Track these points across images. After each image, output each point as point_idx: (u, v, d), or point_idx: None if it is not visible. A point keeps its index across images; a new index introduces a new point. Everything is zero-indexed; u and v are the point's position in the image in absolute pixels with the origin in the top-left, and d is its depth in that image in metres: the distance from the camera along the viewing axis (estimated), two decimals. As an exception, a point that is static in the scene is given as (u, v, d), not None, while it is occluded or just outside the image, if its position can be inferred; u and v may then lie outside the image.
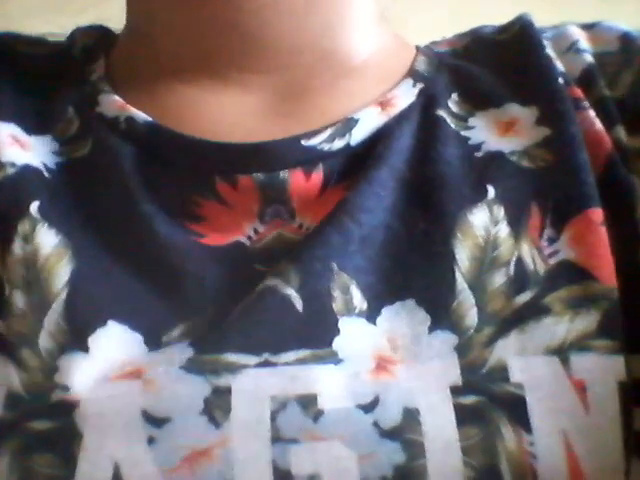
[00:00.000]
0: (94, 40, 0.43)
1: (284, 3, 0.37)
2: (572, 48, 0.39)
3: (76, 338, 0.32)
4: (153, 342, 0.33)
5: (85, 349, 0.32)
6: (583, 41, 0.39)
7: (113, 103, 0.38)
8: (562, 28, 0.41)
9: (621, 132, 0.36)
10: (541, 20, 0.41)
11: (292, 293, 0.33)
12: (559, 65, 0.39)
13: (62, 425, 0.30)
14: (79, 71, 0.41)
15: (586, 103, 0.37)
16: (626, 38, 0.39)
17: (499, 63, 0.40)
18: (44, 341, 0.32)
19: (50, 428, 0.30)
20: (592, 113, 0.37)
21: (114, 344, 0.32)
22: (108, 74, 0.40)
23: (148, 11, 0.39)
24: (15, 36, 0.43)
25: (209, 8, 0.37)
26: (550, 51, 0.39)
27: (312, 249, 0.34)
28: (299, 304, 0.33)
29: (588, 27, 0.41)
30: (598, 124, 0.36)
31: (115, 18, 0.42)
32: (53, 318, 0.33)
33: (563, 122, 0.36)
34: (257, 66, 0.38)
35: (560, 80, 0.38)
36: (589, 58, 0.39)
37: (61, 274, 0.34)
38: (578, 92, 0.38)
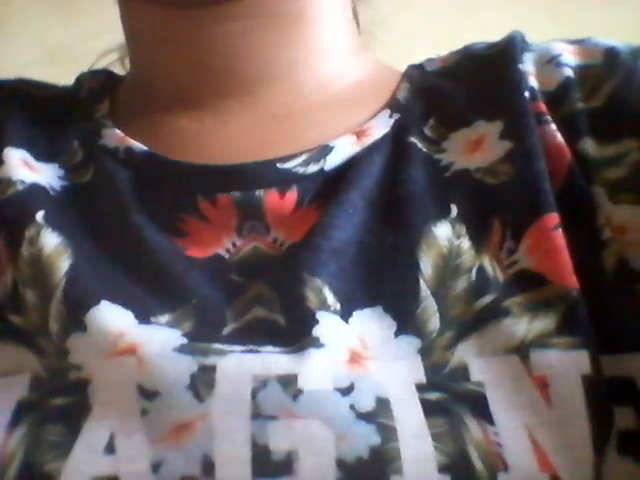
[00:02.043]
0: (99, 84, 0.47)
1: (251, 42, 0.40)
2: (552, 62, 0.40)
3: (75, 319, 0.35)
4: (142, 318, 0.35)
5: (84, 328, 0.34)
6: (567, 55, 0.40)
7: (114, 136, 0.42)
8: (549, 44, 0.42)
9: (587, 144, 0.37)
10: (541, 20, 0.41)
11: (275, 315, 0.35)
12: (532, 79, 0.39)
13: (77, 400, 0.33)
14: (85, 110, 0.45)
15: (548, 117, 0.38)
16: (611, 52, 0.39)
17: (477, 78, 0.41)
18: (52, 327, 0.35)
19: (66, 403, 0.33)
20: (553, 127, 0.38)
21: (107, 318, 0.34)
22: (112, 112, 0.44)
23: (138, 57, 0.45)
24: (28, 81, 0.47)
25: (186, 52, 0.41)
26: (529, 65, 0.40)
27: (285, 268, 0.37)
28: (281, 320, 0.35)
29: (576, 42, 0.41)
30: (559, 137, 0.37)
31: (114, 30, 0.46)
32: (55, 305, 0.35)
33: (523, 135, 0.38)
34: (230, 92, 0.41)
35: (526, 94, 0.39)
36: (568, 72, 0.39)
37: (61, 268, 0.37)
38: (542, 107, 0.38)
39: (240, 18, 0.40)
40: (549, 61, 0.40)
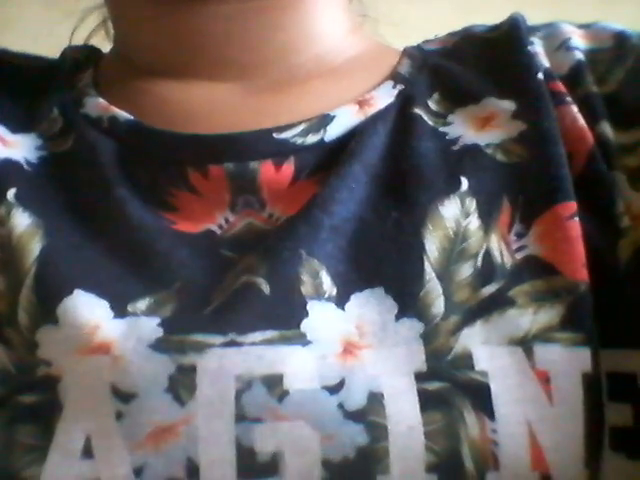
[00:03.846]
0: (84, 56, 0.45)
1: (245, 25, 0.39)
2: (563, 45, 0.39)
3: (46, 310, 0.33)
4: (118, 309, 0.33)
5: (55, 320, 0.33)
6: (576, 38, 0.39)
7: (98, 105, 0.40)
8: (555, 25, 0.41)
9: (606, 128, 0.36)
10: (540, 19, 0.41)
11: (259, 280, 0.34)
12: (544, 61, 0.39)
13: (46, 398, 0.31)
14: (67, 79, 0.43)
15: (569, 98, 0.37)
16: (620, 36, 0.39)
17: (483, 60, 0.40)
18: (21, 317, 0.33)
19: (35, 401, 0.31)
20: (575, 108, 0.37)
21: (80, 311, 0.33)
22: (95, 81, 0.42)
23: (127, 31, 0.42)
24: (9, 52, 0.45)
25: (173, 32, 0.39)
26: (539, 48, 0.39)
27: (280, 240, 0.35)
28: (266, 288, 0.33)
29: (584, 26, 0.41)
30: (581, 120, 0.36)
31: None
32: (25, 294, 0.34)
33: (538, 117, 0.36)
34: (223, 74, 0.39)
35: (540, 75, 0.38)
36: (579, 55, 0.38)
37: (32, 251, 0.35)
38: (561, 86, 0.38)
39: (234, 0, 0.38)
40: (560, 45, 0.39)
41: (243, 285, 0.34)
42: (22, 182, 0.37)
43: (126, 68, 0.42)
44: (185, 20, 0.38)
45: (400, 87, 0.39)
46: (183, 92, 0.39)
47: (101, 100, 0.40)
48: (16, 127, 0.40)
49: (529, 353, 0.32)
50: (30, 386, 0.32)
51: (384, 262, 0.34)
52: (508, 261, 0.34)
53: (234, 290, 0.34)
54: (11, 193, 0.36)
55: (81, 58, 0.44)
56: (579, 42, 0.39)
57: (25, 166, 0.38)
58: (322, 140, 0.37)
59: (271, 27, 0.39)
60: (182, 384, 0.31)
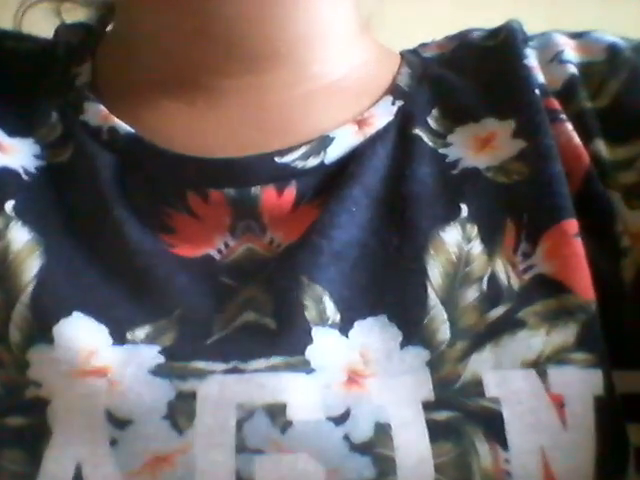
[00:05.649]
0: (78, 39, 0.43)
1: (258, 14, 0.37)
2: (556, 58, 0.38)
3: (41, 329, 0.32)
4: (117, 336, 0.32)
5: (50, 340, 0.31)
6: (569, 51, 0.39)
7: (98, 113, 0.38)
8: (549, 36, 0.40)
9: (600, 145, 0.36)
10: (541, 20, 0.41)
11: (267, 320, 0.33)
12: (539, 76, 0.38)
13: (34, 422, 0.30)
14: (63, 72, 0.41)
15: (563, 115, 0.37)
16: (613, 48, 0.38)
17: (481, 72, 0.40)
18: (13, 335, 0.32)
19: (22, 424, 0.30)
20: (570, 126, 0.36)
21: (78, 333, 0.32)
22: (93, 81, 0.40)
23: (129, 22, 0.40)
24: (2, 32, 0.43)
25: (185, 18, 0.37)
26: (533, 61, 0.39)
27: (281, 270, 0.34)
28: (273, 324, 0.33)
29: (576, 36, 0.40)
30: (576, 138, 0.36)
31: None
32: (20, 311, 0.32)
33: (538, 134, 0.36)
34: (229, 70, 0.38)
35: (537, 91, 0.37)
36: (572, 69, 0.38)
37: (30, 268, 0.33)
38: (555, 104, 0.37)
39: None
40: (553, 58, 0.38)
41: (249, 324, 0.33)
42: (21, 194, 0.36)
43: (126, 67, 0.40)
44: (194, 2, 0.37)
45: (399, 103, 0.39)
46: (186, 105, 0.38)
47: (101, 107, 0.38)
48: (12, 129, 0.38)
49: (543, 376, 0.31)
50: (18, 408, 0.30)
51: (387, 289, 0.34)
52: (515, 283, 0.34)
53: (238, 327, 0.33)
54: (9, 205, 0.35)
55: (75, 42, 0.42)
56: (572, 55, 0.39)
57: (23, 176, 0.37)
58: (322, 163, 0.36)
59: (283, 18, 0.37)
60: (181, 411, 0.30)
